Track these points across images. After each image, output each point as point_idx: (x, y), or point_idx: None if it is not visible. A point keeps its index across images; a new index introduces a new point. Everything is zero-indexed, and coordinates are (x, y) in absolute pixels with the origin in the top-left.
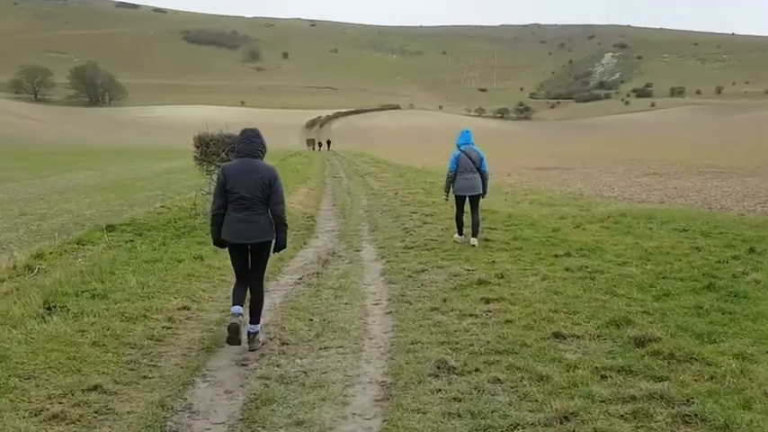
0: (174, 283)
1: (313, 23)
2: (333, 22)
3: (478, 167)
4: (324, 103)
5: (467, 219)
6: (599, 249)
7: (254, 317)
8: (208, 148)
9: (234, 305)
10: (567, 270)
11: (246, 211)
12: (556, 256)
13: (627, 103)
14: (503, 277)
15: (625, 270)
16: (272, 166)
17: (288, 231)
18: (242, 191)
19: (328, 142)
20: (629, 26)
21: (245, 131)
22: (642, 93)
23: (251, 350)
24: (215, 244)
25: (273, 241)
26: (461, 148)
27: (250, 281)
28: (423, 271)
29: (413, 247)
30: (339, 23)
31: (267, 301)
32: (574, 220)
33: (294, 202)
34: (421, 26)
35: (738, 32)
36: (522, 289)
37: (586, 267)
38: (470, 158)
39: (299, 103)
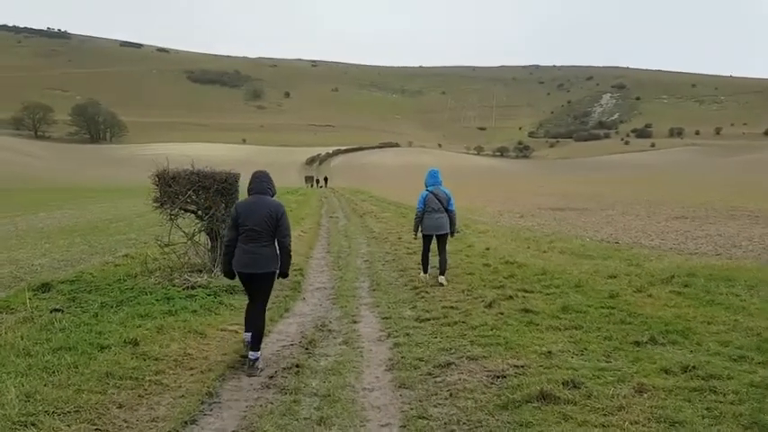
0: (78, 392)
1: (314, 64)
2: (334, 63)
3: (446, 207)
4: (324, 140)
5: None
6: (691, 332)
7: (255, 345)
8: (169, 187)
9: (246, 331)
10: (666, 372)
11: (252, 243)
12: (636, 343)
13: (627, 143)
14: (576, 387)
15: (753, 374)
16: (280, 202)
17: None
18: (251, 224)
19: (325, 179)
20: (627, 68)
21: (255, 173)
22: (642, 133)
23: (249, 375)
24: (224, 274)
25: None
26: (429, 188)
27: (254, 310)
28: (448, 366)
29: (428, 319)
30: (340, 64)
31: (217, 424)
32: (630, 281)
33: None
34: (421, 66)
35: (735, 74)
36: (613, 412)
37: (693, 368)
38: (438, 198)
39: (299, 141)
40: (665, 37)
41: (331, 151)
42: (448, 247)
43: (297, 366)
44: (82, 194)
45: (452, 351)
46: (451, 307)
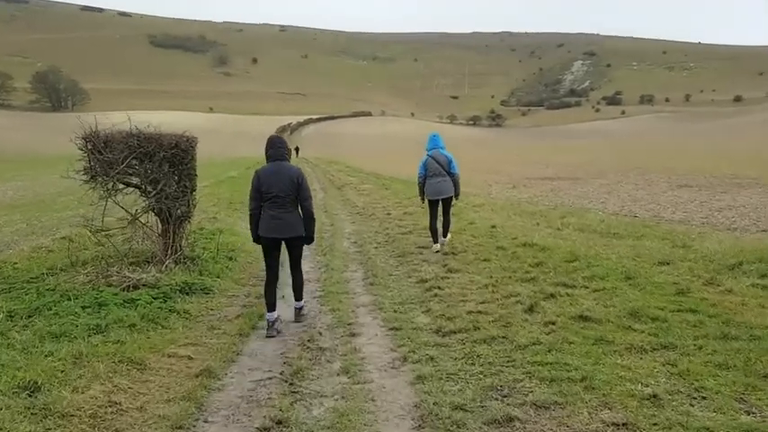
0: None
1: (283, 29)
2: (303, 28)
3: (448, 170)
4: (294, 108)
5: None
6: None
7: (298, 295)
8: (101, 154)
9: (268, 312)
10: None
11: (279, 209)
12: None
13: (597, 110)
14: None
15: None
16: (299, 167)
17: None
18: (275, 190)
19: (296, 149)
20: (597, 34)
21: (272, 138)
22: (612, 100)
23: (297, 321)
24: (254, 240)
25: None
26: (429, 152)
27: (291, 269)
28: (509, 422)
29: (453, 332)
30: (309, 29)
31: None
32: (690, 270)
33: (246, 227)
34: (392, 33)
35: (704, 41)
36: None
37: None
38: (438, 162)
39: (268, 109)
40: (635, 3)
41: (302, 120)
42: (453, 218)
43: (279, 423)
44: (38, 164)
45: (505, 392)
46: (479, 312)
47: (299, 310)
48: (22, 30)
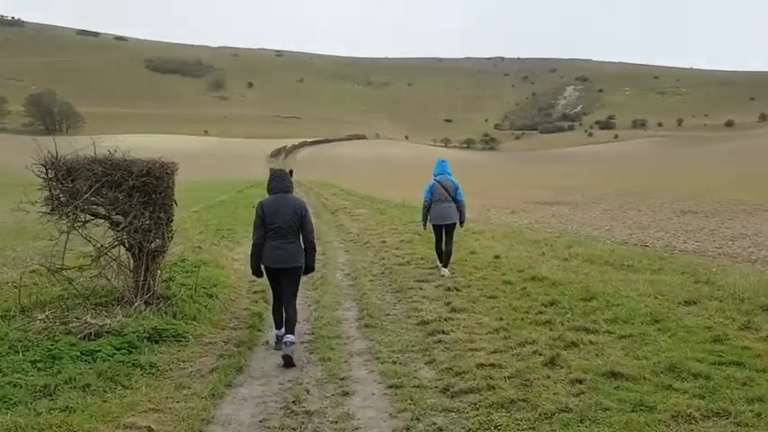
0: None
1: (279, 54)
2: (299, 53)
3: (453, 197)
4: (289, 132)
5: None
6: None
7: (289, 329)
8: (62, 184)
9: (278, 329)
10: None
11: (280, 240)
12: None
13: (590, 134)
14: None
15: None
16: (302, 200)
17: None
18: (279, 222)
19: (290, 172)
20: (590, 60)
21: (275, 171)
22: (605, 125)
23: (285, 366)
24: (253, 274)
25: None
26: (437, 177)
27: (284, 301)
28: None
29: (463, 392)
30: (305, 54)
31: None
32: (721, 311)
33: (233, 258)
34: (387, 58)
35: (696, 67)
36: None
37: None
38: (445, 188)
39: (263, 133)
40: (626, 29)
41: (297, 143)
42: (454, 247)
43: None
44: (24, 189)
45: None
46: (492, 364)
47: (290, 343)
48: (16, 53)
